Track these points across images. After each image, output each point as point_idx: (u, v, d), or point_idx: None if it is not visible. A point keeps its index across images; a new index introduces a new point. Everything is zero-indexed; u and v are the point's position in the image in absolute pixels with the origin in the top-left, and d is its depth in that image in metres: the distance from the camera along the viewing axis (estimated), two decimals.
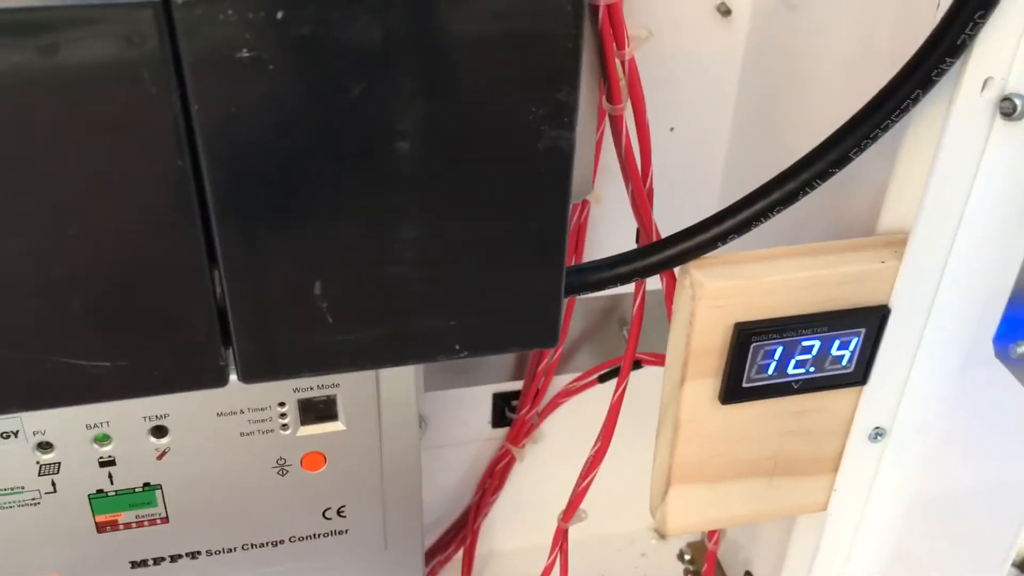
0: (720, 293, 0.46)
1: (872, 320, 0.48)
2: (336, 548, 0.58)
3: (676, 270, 0.47)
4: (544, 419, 0.75)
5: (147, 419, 0.50)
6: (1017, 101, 0.42)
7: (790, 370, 0.49)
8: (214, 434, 0.51)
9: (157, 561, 0.55)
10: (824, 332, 0.48)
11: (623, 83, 0.45)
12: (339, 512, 0.57)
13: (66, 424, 0.49)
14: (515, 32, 0.33)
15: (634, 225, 0.58)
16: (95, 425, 0.50)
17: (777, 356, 0.48)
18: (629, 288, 0.60)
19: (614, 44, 0.44)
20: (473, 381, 0.74)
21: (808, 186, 0.43)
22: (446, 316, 0.38)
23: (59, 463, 0.50)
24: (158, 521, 0.53)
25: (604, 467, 0.62)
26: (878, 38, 0.54)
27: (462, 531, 0.79)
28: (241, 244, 0.35)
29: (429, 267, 0.37)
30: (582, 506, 0.63)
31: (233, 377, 0.38)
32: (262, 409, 0.51)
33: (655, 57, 0.62)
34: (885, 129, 0.42)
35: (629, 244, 0.49)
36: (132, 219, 0.34)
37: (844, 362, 0.49)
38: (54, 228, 0.33)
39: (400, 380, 0.52)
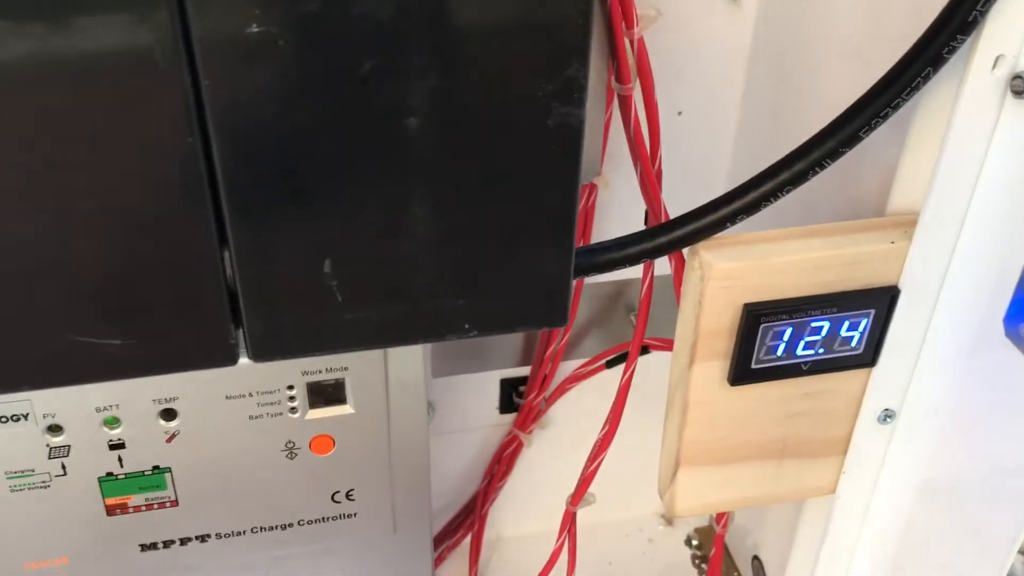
0: (729, 274, 0.46)
1: (882, 301, 0.48)
2: (345, 531, 0.58)
3: (685, 251, 0.47)
4: (552, 405, 0.75)
5: (156, 402, 0.50)
6: None
7: (799, 351, 0.49)
8: (223, 417, 0.51)
9: (167, 544, 0.55)
10: (833, 313, 0.48)
11: (632, 63, 0.45)
12: (348, 496, 0.57)
13: (76, 407, 0.49)
14: (525, 8, 0.33)
15: (641, 211, 0.58)
16: (105, 408, 0.50)
17: (786, 337, 0.48)
18: (636, 273, 0.60)
19: (623, 23, 0.44)
20: (481, 367, 0.74)
21: (818, 165, 0.43)
22: (455, 294, 0.38)
23: (69, 446, 0.50)
24: (167, 504, 0.54)
25: (610, 453, 0.62)
26: (887, 22, 0.53)
27: (470, 517, 0.79)
28: (251, 222, 0.35)
29: (439, 245, 0.37)
30: (590, 490, 0.63)
31: (244, 359, 0.38)
32: (271, 392, 0.52)
33: (663, 41, 0.61)
34: (896, 108, 0.41)
35: (636, 230, 0.49)
36: (143, 197, 0.34)
37: (853, 343, 0.49)
38: (65, 207, 0.33)
39: (409, 363, 0.52)
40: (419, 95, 0.33)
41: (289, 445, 0.54)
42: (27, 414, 0.49)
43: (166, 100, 0.32)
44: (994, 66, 0.42)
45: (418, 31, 0.32)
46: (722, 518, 0.61)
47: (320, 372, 0.52)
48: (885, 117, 0.42)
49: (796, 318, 0.47)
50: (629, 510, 0.85)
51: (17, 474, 0.50)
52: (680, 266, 0.51)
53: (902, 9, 0.52)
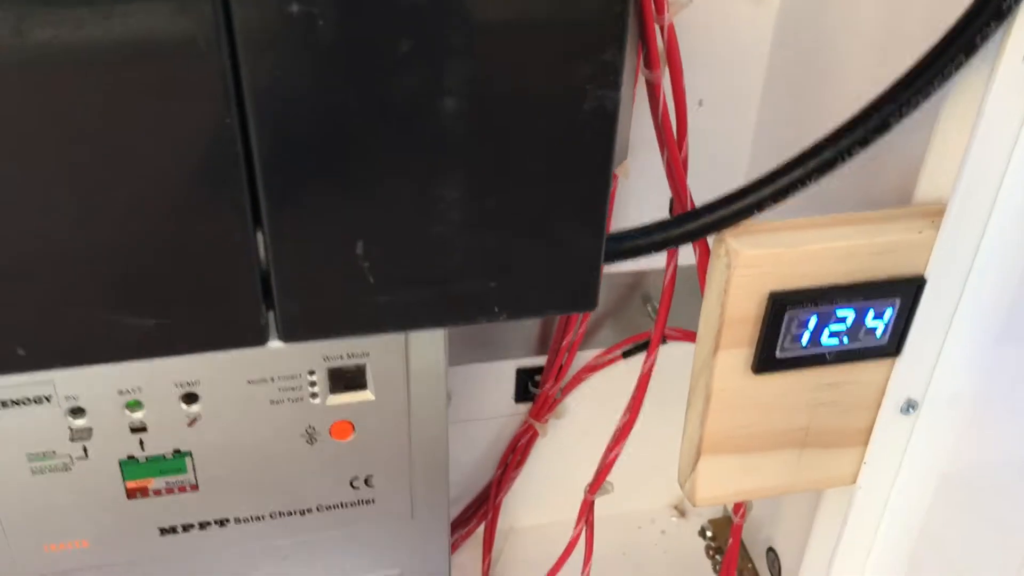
0: (755, 261, 0.45)
1: (907, 291, 0.48)
2: (363, 517, 0.58)
3: (710, 239, 0.47)
4: (567, 394, 0.75)
5: (178, 386, 0.50)
6: None
7: (824, 341, 0.48)
8: (244, 402, 0.51)
9: (186, 528, 0.55)
10: (859, 302, 0.47)
11: (661, 48, 0.45)
12: (367, 481, 0.57)
13: (98, 390, 0.49)
14: None
15: (660, 202, 0.58)
16: (127, 391, 0.50)
17: (811, 326, 0.48)
18: (652, 264, 0.60)
19: (654, 9, 0.44)
20: (497, 356, 0.74)
21: (847, 153, 0.43)
22: (487, 277, 0.38)
23: (91, 428, 0.50)
24: (188, 488, 0.54)
25: (624, 446, 0.62)
26: (909, 15, 0.53)
27: (484, 506, 0.79)
28: (285, 204, 0.35)
29: (471, 228, 0.37)
30: (608, 478, 0.63)
31: (269, 344, 0.38)
32: (292, 377, 0.51)
33: (684, 32, 0.61)
34: (927, 95, 0.41)
35: (653, 220, 0.49)
36: (179, 179, 0.34)
37: (878, 333, 0.49)
38: (104, 187, 0.33)
39: (429, 350, 0.52)
40: (456, 76, 0.33)
41: (309, 430, 0.54)
42: (49, 396, 0.49)
43: (205, 81, 0.32)
44: None
45: (457, 10, 0.32)
46: (740, 508, 0.61)
47: (341, 358, 0.52)
48: (916, 105, 0.42)
49: (821, 307, 0.47)
50: (642, 502, 0.85)
51: (39, 456, 0.50)
52: (704, 254, 0.51)
53: (924, 1, 0.52)
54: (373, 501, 0.58)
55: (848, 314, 0.48)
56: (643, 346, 0.68)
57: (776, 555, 0.73)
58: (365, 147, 0.34)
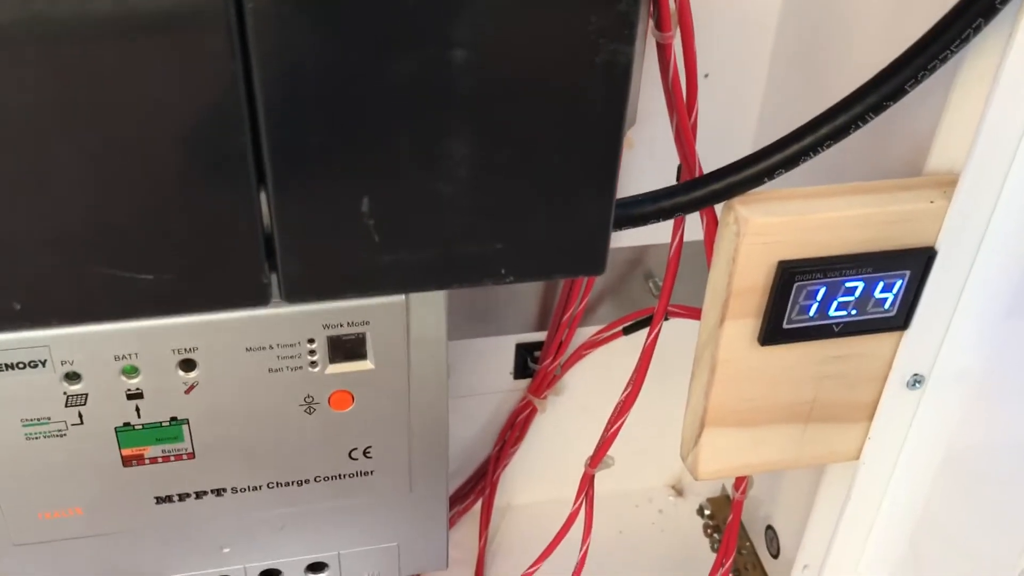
0: (765, 229, 0.45)
1: (918, 262, 0.47)
2: (361, 489, 0.57)
3: (719, 208, 0.46)
4: (567, 371, 0.74)
5: (176, 352, 0.49)
6: None
7: (832, 312, 0.48)
8: (243, 369, 0.51)
9: (182, 497, 0.54)
10: (868, 273, 0.47)
11: (673, 9, 0.44)
12: (365, 453, 0.56)
13: (94, 355, 0.48)
14: None
15: (665, 176, 0.58)
16: (123, 357, 0.49)
17: (819, 297, 0.47)
18: (653, 239, 0.59)
19: None
20: (496, 331, 0.74)
21: (860, 120, 0.42)
22: (494, 239, 0.37)
23: (86, 394, 0.50)
24: (184, 456, 0.53)
25: (626, 419, 0.61)
26: None
27: (481, 482, 0.79)
28: (290, 160, 0.34)
29: (478, 187, 0.36)
30: (609, 452, 0.62)
31: (269, 309, 0.37)
32: (291, 345, 0.51)
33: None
34: (944, 60, 0.41)
35: None
36: (183, 134, 0.33)
37: (886, 305, 0.48)
38: (106, 141, 0.32)
39: (430, 320, 0.52)
40: (465, 26, 0.32)
41: (308, 400, 0.53)
42: (45, 360, 0.48)
43: (209, 38, 0.31)
44: None
45: None
46: (741, 483, 0.61)
47: (341, 326, 0.51)
48: (932, 70, 0.41)
49: (830, 277, 0.47)
50: (639, 480, 0.85)
51: (33, 422, 0.50)
52: (712, 224, 0.50)
53: None
54: (371, 473, 0.57)
55: (857, 285, 0.47)
56: (644, 323, 0.68)
57: (775, 533, 0.73)
58: (372, 102, 0.33)
